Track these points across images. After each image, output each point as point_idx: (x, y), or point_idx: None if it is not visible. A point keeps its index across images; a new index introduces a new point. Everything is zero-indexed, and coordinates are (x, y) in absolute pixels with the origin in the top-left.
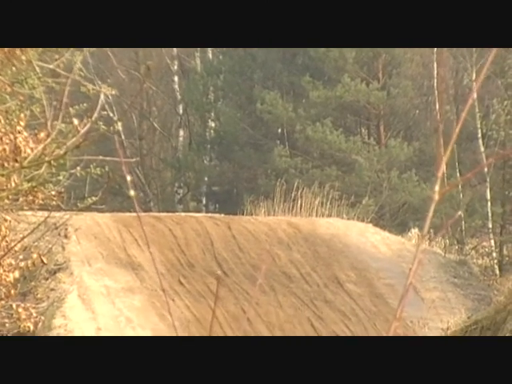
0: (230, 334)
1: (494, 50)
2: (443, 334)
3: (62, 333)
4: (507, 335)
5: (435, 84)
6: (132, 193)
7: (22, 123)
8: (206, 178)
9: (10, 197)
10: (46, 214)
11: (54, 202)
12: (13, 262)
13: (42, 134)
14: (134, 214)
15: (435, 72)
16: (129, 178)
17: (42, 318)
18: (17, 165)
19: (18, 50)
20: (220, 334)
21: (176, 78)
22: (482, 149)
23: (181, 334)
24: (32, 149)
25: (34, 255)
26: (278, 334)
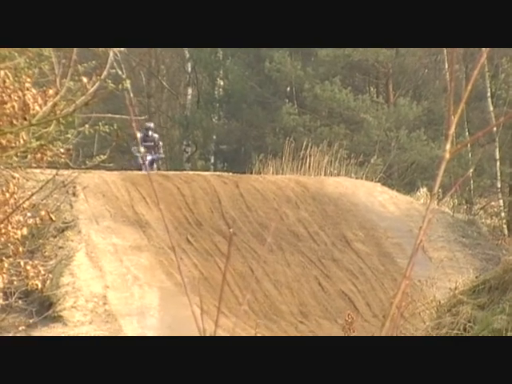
0: (237, 292)
1: None
2: (451, 294)
3: (70, 291)
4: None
5: None
6: (142, 150)
7: (29, 80)
8: (214, 137)
9: (19, 154)
10: (54, 171)
11: (63, 160)
12: (21, 219)
13: (51, 92)
14: (142, 172)
15: None
16: (139, 135)
17: (50, 275)
18: (25, 122)
19: None
20: (228, 292)
21: None
22: (491, 108)
23: (189, 292)
24: (40, 106)
25: (42, 212)
26: (286, 292)
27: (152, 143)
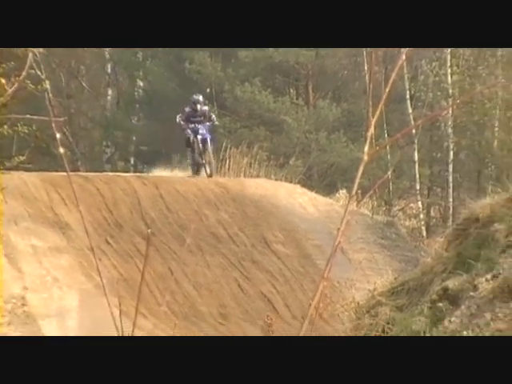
0: (157, 293)
1: None
2: (370, 295)
3: None
4: (433, 297)
5: None
6: (61, 150)
7: None
8: (134, 138)
9: None
10: None
11: None
12: None
13: None
14: (62, 174)
15: None
16: (58, 135)
17: None
18: None
19: None
20: (147, 293)
21: None
22: (410, 110)
23: (108, 293)
24: None
25: None
26: (205, 293)
27: (201, 118)
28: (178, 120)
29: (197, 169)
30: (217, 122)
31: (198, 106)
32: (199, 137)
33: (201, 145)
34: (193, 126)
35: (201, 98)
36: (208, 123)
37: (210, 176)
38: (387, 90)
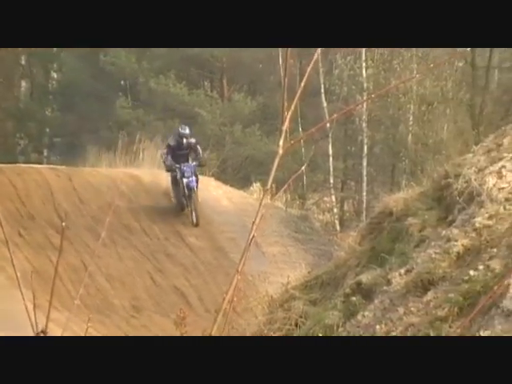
0: (70, 286)
1: None
2: (283, 289)
3: None
4: (346, 291)
5: None
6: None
7: None
8: (47, 129)
9: None
10: None
11: None
12: None
13: None
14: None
15: None
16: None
17: None
18: None
19: None
20: (60, 286)
21: None
22: (325, 104)
23: (21, 286)
24: None
25: None
26: (118, 286)
27: (187, 151)
28: (162, 157)
29: (181, 209)
30: (203, 164)
31: (184, 140)
32: (185, 180)
33: (186, 190)
34: (178, 165)
35: (187, 130)
36: (194, 163)
37: (197, 225)
38: (303, 84)
